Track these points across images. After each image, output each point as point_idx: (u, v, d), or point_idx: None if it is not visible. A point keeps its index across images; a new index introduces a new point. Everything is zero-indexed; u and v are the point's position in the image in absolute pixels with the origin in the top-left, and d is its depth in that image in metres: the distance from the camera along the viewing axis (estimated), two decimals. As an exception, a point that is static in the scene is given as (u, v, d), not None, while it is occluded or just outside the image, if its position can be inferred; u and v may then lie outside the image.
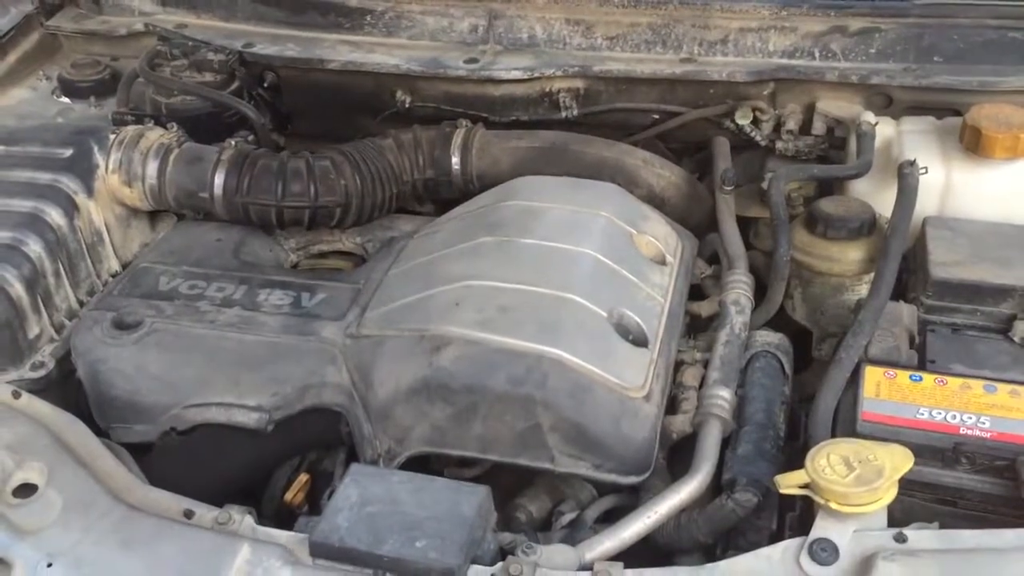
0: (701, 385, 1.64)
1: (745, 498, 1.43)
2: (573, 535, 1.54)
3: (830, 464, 1.28)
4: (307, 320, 1.70)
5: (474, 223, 1.81)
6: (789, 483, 1.29)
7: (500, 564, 1.26)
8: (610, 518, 1.59)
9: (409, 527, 1.28)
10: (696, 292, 1.87)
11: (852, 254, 1.77)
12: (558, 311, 1.56)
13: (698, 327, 1.82)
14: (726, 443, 1.53)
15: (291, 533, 1.32)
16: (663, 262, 1.79)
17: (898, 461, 1.28)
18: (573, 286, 1.60)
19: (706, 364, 1.68)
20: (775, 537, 1.49)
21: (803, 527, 1.48)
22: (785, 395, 1.63)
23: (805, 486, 1.28)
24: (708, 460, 1.46)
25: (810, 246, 1.79)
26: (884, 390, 1.45)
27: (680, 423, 1.60)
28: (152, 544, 1.29)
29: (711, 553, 1.48)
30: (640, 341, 1.60)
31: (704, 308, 1.83)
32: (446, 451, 1.55)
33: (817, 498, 1.26)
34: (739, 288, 1.74)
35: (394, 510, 1.31)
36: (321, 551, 1.28)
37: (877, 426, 1.40)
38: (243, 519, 1.33)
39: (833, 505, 1.25)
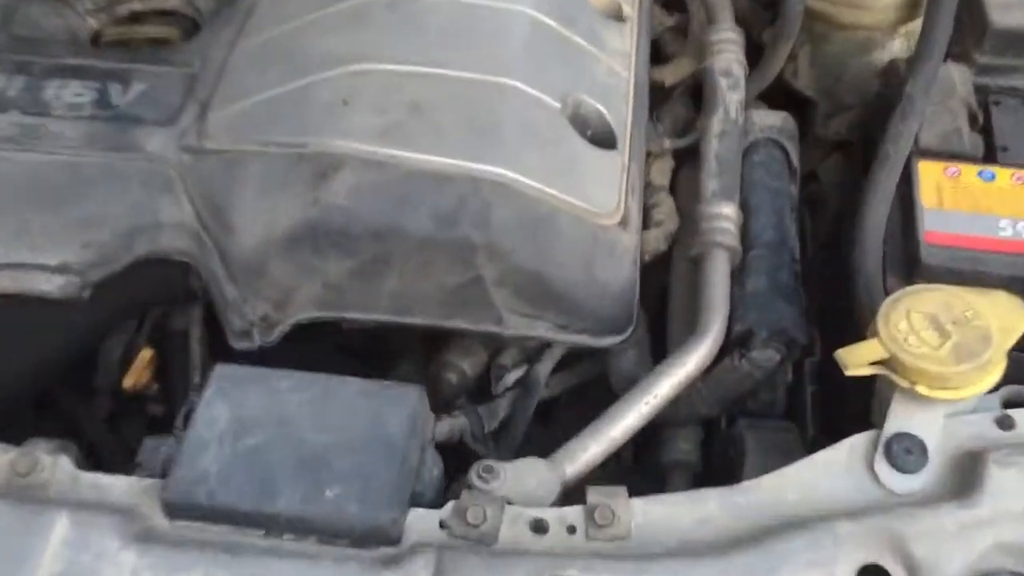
0: (671, 184, 1.24)
1: (766, 356, 1.06)
2: (525, 400, 1.17)
3: (913, 328, 0.89)
4: (122, 126, 1.16)
5: (353, -32, 1.26)
6: (859, 361, 0.89)
7: (452, 506, 0.87)
8: (566, 367, 1.22)
9: (312, 465, 0.87)
10: (654, 51, 1.40)
11: (886, -1, 1.31)
12: (495, 107, 1.08)
13: (659, 99, 1.37)
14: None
15: (131, 481, 0.89)
16: (620, 16, 1.30)
17: (1007, 318, 0.90)
18: (510, 66, 1.11)
19: (676, 155, 1.27)
20: (793, 393, 1.15)
21: (822, 380, 1.15)
22: (794, 198, 1.23)
23: (881, 362, 0.89)
24: (719, 313, 1.06)
25: (829, -10, 1.32)
26: (948, 196, 1.06)
27: (653, 240, 1.21)
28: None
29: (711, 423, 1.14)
30: (604, 138, 1.15)
31: (668, 74, 1.38)
32: (346, 315, 1.10)
33: (899, 380, 0.88)
34: (729, 51, 1.28)
35: (286, 437, 0.89)
36: (182, 512, 0.85)
37: (948, 251, 1.01)
38: (55, 464, 0.89)
39: (921, 390, 0.87)
